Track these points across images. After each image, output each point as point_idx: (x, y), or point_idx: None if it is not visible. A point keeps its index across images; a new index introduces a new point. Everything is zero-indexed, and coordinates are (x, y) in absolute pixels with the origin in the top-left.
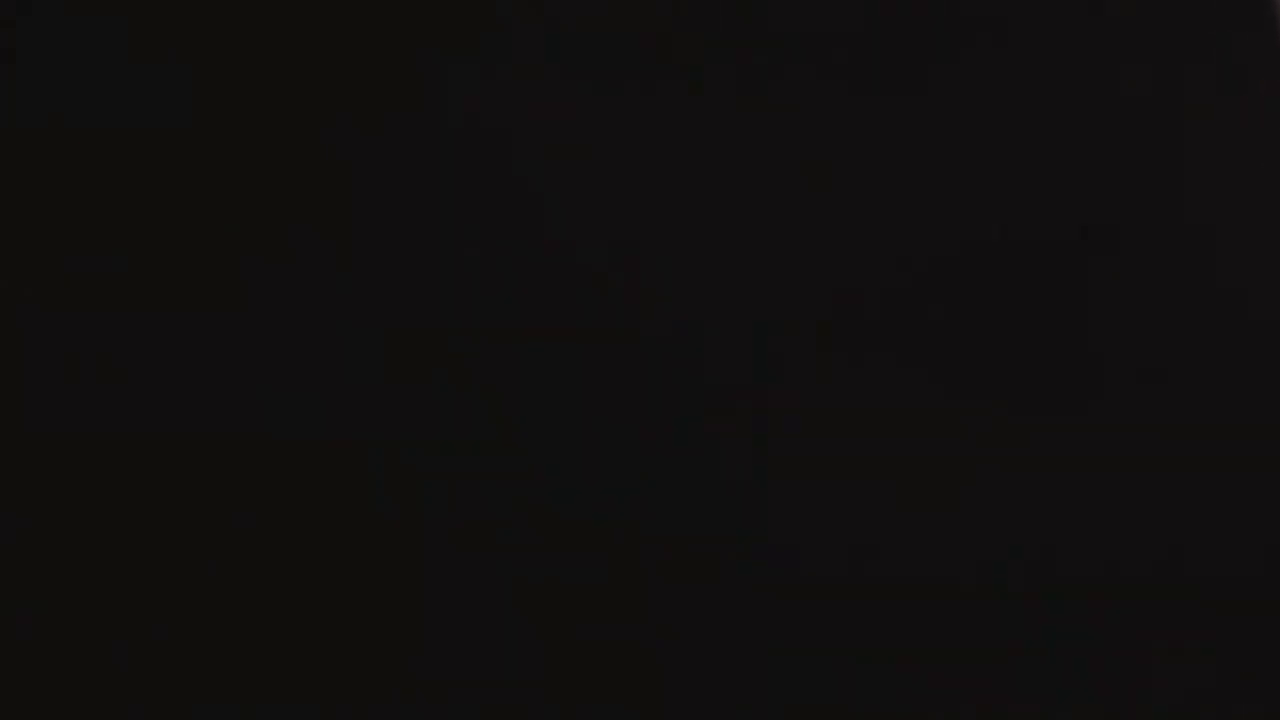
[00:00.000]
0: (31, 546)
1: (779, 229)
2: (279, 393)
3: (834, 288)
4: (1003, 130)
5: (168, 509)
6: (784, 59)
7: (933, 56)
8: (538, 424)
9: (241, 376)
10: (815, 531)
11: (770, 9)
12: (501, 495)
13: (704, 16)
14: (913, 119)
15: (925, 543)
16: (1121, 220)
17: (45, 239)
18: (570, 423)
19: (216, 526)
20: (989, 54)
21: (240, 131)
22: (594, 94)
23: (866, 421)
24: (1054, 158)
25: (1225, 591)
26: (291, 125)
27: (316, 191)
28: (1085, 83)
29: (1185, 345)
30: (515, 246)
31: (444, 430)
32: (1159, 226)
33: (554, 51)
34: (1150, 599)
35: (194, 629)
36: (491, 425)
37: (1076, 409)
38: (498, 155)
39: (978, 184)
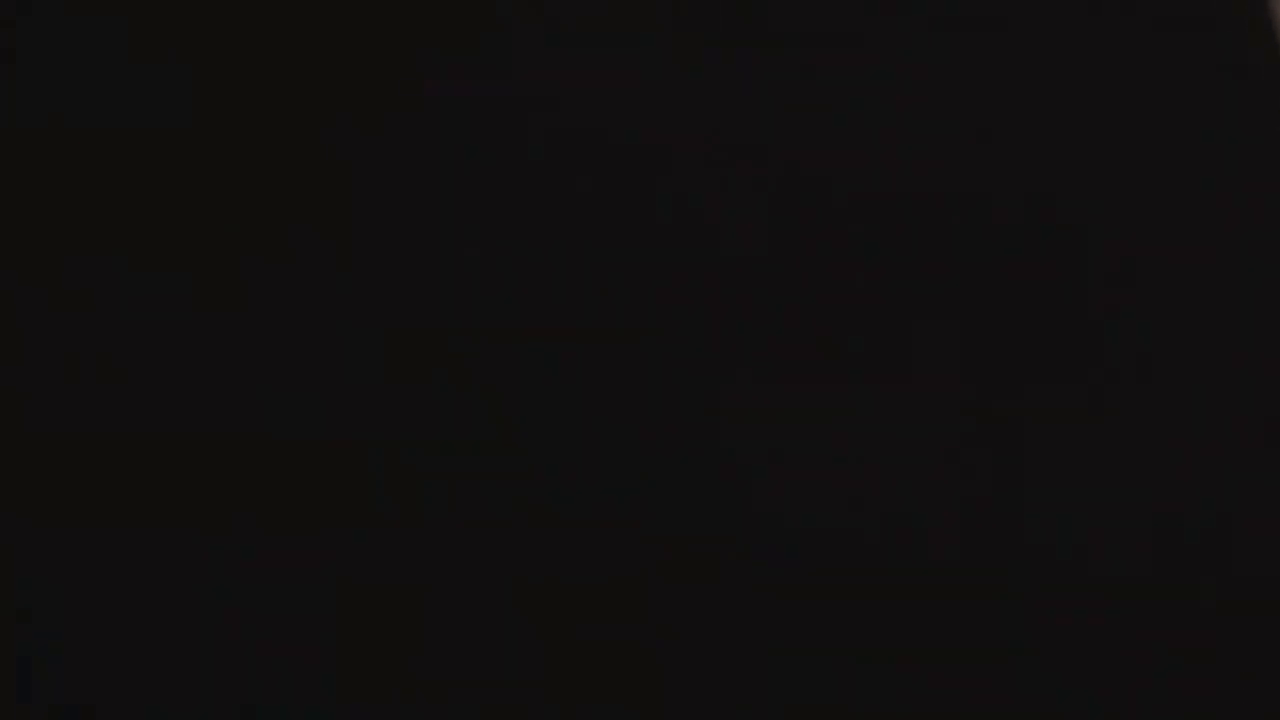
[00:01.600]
0: (32, 546)
1: (777, 229)
2: (279, 393)
3: (830, 286)
4: (1001, 129)
5: (168, 508)
6: (783, 58)
7: (932, 56)
8: (538, 424)
9: (241, 376)
10: (813, 527)
11: (770, 8)
12: (501, 495)
13: (704, 16)
14: (912, 119)
15: (924, 535)
16: (1116, 218)
17: (45, 239)
18: (570, 423)
19: (216, 526)
20: (988, 53)
21: (240, 131)
22: (593, 94)
23: (867, 413)
24: (1050, 153)
25: (1225, 591)
26: (291, 125)
27: (316, 191)
28: (1081, 78)
29: (1185, 341)
30: (515, 246)
31: (444, 430)
32: (1154, 223)
33: (554, 51)
34: (1151, 598)
35: (194, 629)
36: (491, 425)
37: (1078, 403)
38: (498, 155)
39: (974, 179)
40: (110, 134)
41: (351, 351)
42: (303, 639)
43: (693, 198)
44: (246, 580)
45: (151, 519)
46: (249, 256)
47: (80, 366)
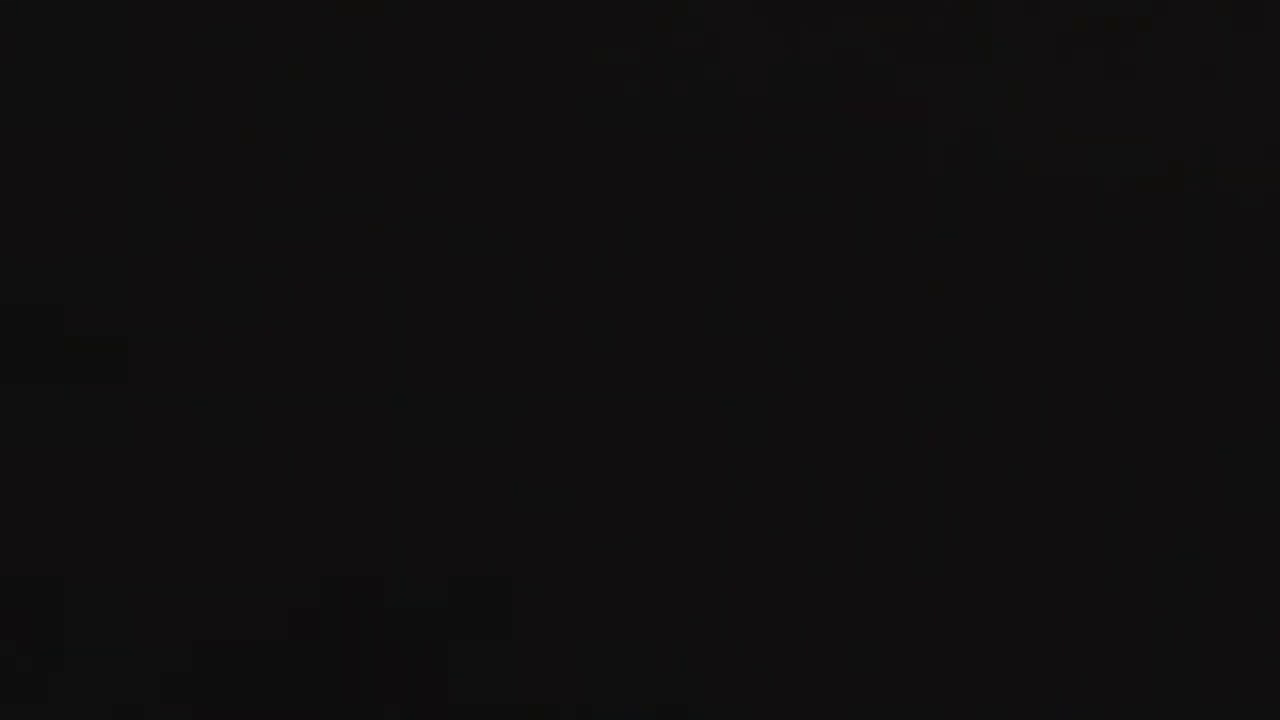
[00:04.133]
0: (31, 546)
1: (775, 231)
2: (280, 394)
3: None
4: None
5: (168, 509)
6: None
7: (930, 58)
8: (538, 424)
9: (242, 377)
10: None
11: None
12: (506, 495)
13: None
14: (910, 131)
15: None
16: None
17: (45, 239)
18: (570, 422)
19: (216, 527)
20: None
21: (240, 131)
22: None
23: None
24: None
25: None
26: (291, 125)
27: (317, 191)
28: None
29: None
30: (515, 245)
31: (443, 430)
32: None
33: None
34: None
35: (193, 628)
36: (491, 425)
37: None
38: (499, 155)
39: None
40: (110, 134)
41: (353, 352)
42: (301, 639)
43: (692, 194)
44: (246, 580)
45: (152, 518)
46: (249, 256)
47: (80, 366)
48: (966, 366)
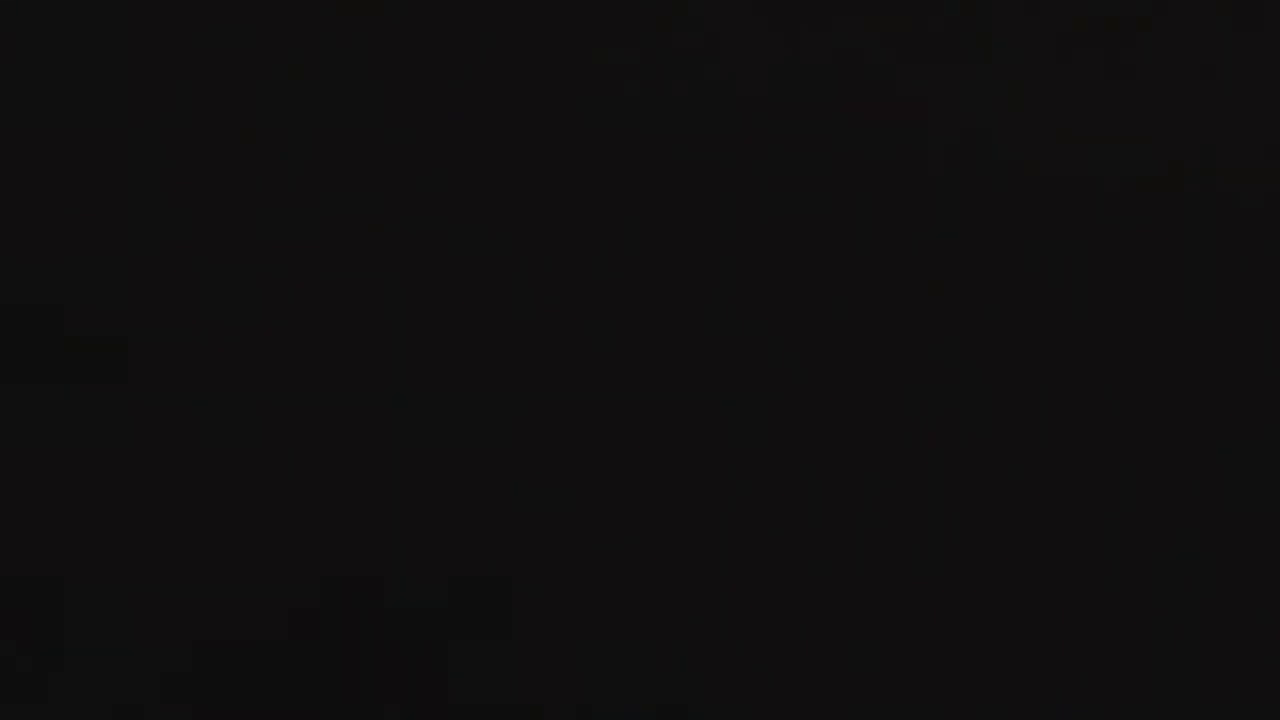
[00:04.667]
0: (31, 546)
1: (775, 231)
2: (280, 394)
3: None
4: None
5: (168, 509)
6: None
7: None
8: (538, 424)
9: (242, 377)
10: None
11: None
12: (507, 495)
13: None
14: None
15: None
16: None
17: (45, 239)
18: (570, 422)
19: (216, 527)
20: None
21: (240, 131)
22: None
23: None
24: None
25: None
26: (291, 125)
27: (317, 191)
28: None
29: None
30: (515, 245)
31: (443, 430)
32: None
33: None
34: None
35: (193, 628)
36: (490, 426)
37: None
38: (499, 155)
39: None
40: (110, 134)
41: (353, 353)
42: (299, 641)
43: (688, 195)
44: (246, 580)
45: (153, 519)
46: (249, 256)
47: (80, 367)
48: (966, 366)
